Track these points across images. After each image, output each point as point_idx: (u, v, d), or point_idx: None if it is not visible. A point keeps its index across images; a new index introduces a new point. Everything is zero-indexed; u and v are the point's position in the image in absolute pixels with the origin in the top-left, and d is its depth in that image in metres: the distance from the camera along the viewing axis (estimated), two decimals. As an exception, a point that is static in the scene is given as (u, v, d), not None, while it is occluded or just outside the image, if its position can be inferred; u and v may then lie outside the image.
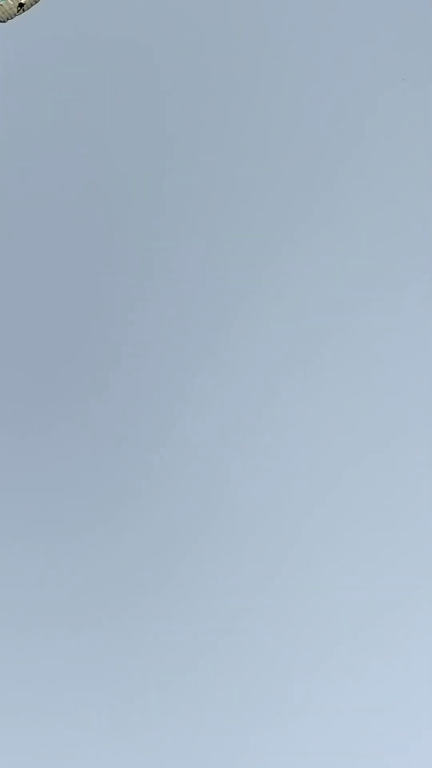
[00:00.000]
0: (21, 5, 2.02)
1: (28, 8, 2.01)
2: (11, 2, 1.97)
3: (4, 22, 2.00)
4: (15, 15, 2.02)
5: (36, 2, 2.01)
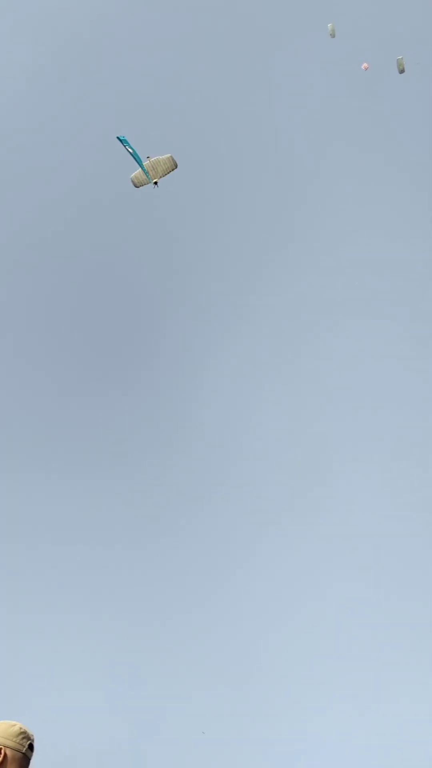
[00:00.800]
0: (155, 183, 10.95)
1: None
2: (152, 180, 13.01)
3: (138, 187, 11.09)
4: (144, 184, 11.90)
5: (162, 177, 12.20)
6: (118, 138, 44.15)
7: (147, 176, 46.26)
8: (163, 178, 46.45)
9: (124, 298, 62.05)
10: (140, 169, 46.28)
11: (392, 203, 58.50)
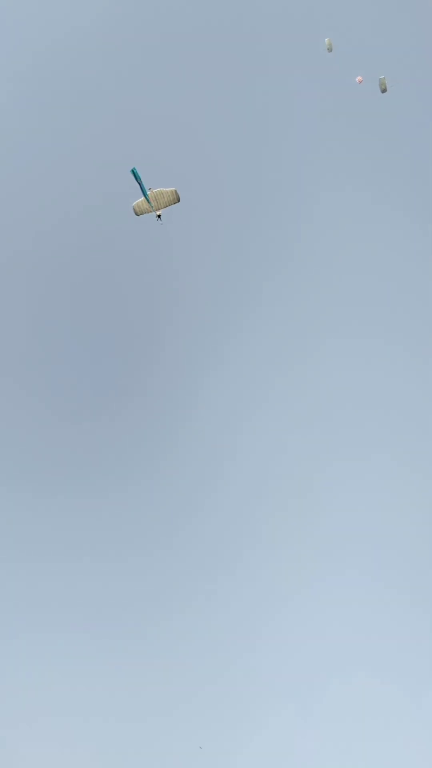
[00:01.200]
0: (159, 216, 25.86)
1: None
2: (155, 210, 27.36)
3: (138, 215, 25.86)
4: (145, 213, 25.87)
5: (164, 209, 25.52)
6: (131, 171, 45.08)
7: (150, 206, 47.38)
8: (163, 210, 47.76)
9: (124, 310, 62.95)
10: (143, 197, 47.38)
11: (391, 212, 60.83)
